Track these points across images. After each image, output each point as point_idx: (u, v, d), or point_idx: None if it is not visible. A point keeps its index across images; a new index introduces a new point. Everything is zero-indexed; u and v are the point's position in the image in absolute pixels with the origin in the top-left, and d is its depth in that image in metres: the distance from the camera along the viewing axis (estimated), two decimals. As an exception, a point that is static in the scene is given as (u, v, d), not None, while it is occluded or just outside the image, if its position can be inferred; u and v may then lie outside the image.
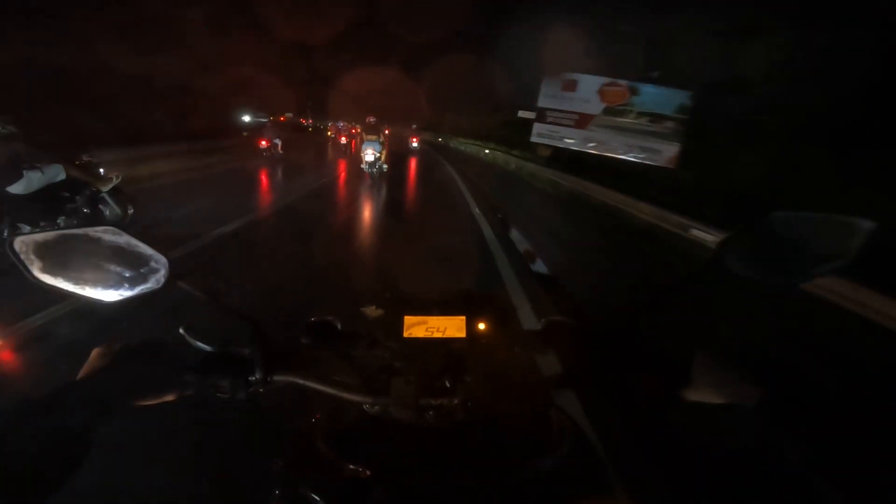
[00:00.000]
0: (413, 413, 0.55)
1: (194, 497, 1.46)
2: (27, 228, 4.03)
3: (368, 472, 0.53)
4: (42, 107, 7.75)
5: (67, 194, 4.42)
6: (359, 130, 22.74)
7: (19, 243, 0.51)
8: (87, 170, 4.66)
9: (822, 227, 0.53)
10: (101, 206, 4.77)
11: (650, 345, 0.58)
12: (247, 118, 20.64)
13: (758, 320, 3.04)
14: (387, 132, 12.01)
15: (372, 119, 11.42)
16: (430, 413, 0.55)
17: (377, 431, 0.57)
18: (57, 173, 4.30)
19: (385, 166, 10.89)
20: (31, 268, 0.51)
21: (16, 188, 3.96)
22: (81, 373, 0.52)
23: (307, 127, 24.05)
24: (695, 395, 0.54)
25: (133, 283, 0.55)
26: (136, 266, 0.55)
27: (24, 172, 4.01)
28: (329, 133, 21.60)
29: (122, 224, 4.75)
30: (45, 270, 0.52)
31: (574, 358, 0.62)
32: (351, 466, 0.54)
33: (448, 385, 0.56)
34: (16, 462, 0.37)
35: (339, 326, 0.65)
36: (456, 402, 0.55)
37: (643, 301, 0.57)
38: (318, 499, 0.52)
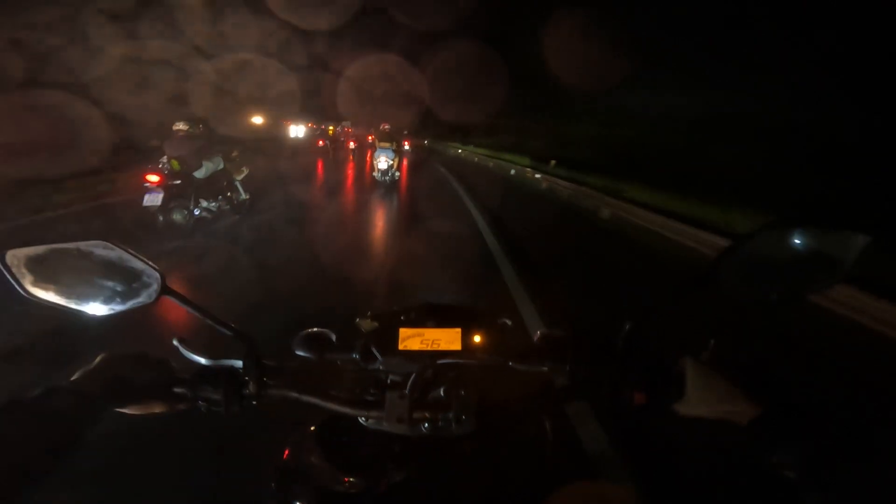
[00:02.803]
0: (407, 427, 0.55)
1: None
2: (204, 203, 5.34)
3: (363, 486, 0.54)
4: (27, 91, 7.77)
5: (220, 180, 5.76)
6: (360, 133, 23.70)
7: (10, 257, 0.51)
8: (233, 162, 5.99)
9: (817, 241, 0.53)
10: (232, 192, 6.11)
11: (645, 358, 0.58)
12: (300, 131, 23.54)
13: (753, 334, 3.01)
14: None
15: (387, 126, 11.07)
16: (425, 426, 0.56)
17: (371, 445, 0.58)
18: (219, 164, 5.63)
19: (398, 174, 10.77)
20: (22, 281, 0.51)
21: (198, 173, 5.28)
22: (74, 383, 0.50)
23: (326, 130, 25.87)
24: (689, 409, 0.54)
25: (125, 297, 0.55)
26: (129, 281, 0.54)
27: (203, 162, 5.34)
28: (341, 139, 23.31)
29: (245, 206, 6.12)
30: (36, 284, 0.52)
31: (569, 371, 0.61)
32: (345, 480, 0.55)
33: (443, 398, 0.57)
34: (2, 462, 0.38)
35: (333, 339, 0.65)
36: (451, 415, 0.55)
37: (638, 313, 0.58)
38: None
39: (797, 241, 0.53)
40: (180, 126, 5.30)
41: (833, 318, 3.66)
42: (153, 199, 4.75)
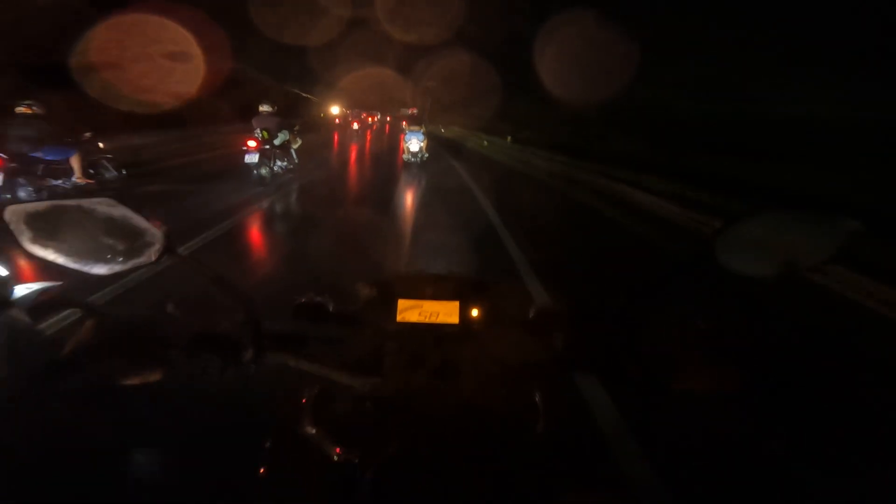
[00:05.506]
0: (405, 397, 0.56)
1: (179, 479, 1.43)
2: (278, 163, 7.62)
3: (358, 457, 0.54)
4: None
5: (286, 147, 8.02)
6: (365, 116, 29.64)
7: (10, 213, 0.50)
8: (293, 134, 8.24)
9: (809, 226, 0.56)
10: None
11: (639, 334, 0.59)
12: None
13: (745, 312, 3.11)
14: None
15: (415, 110, 12.07)
16: (422, 398, 0.56)
17: (367, 415, 0.58)
18: (286, 135, 7.89)
19: (426, 155, 10.81)
20: (21, 238, 0.50)
21: (276, 141, 7.55)
22: (67, 349, 0.50)
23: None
24: (682, 383, 0.55)
25: (126, 256, 0.53)
26: (131, 239, 0.53)
27: (279, 133, 7.60)
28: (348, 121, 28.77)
29: (296, 168, 8.44)
30: (35, 241, 0.51)
31: (564, 346, 0.63)
32: (340, 450, 0.55)
33: (441, 370, 0.58)
34: None
35: (330, 308, 0.65)
36: (447, 387, 0.56)
37: (634, 290, 0.59)
38: (307, 483, 0.53)
39: (790, 224, 0.56)
40: (266, 107, 7.53)
41: (823, 296, 3.81)
42: (251, 158, 7.01)
